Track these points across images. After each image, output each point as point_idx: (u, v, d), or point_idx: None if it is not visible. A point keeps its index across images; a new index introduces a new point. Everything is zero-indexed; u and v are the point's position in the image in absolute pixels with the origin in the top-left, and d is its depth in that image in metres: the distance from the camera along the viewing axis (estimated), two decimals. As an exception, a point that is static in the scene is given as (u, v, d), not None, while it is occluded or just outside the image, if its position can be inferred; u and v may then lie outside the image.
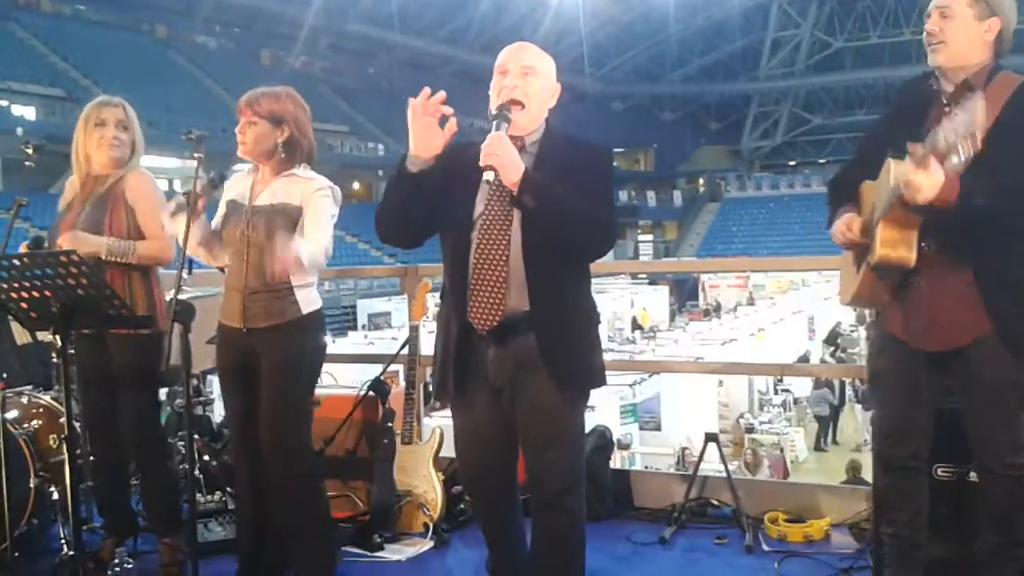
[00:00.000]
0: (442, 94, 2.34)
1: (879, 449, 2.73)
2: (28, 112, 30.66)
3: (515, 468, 2.66)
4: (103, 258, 3.26)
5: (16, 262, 2.72)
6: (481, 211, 2.42)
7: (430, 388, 2.91)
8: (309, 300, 3.09)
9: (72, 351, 3.56)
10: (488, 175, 2.27)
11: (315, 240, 2.95)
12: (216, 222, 3.16)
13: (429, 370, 3.07)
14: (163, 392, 3.93)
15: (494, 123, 2.34)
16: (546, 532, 2.55)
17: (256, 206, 3.05)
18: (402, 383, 4.14)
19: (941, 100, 2.51)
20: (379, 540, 3.64)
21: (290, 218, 3.02)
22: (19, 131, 26.39)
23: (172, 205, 3.02)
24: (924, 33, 2.52)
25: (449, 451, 3.29)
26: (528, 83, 2.43)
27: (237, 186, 3.15)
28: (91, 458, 3.58)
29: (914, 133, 2.34)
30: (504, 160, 2.27)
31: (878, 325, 2.71)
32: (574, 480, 2.53)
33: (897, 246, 2.41)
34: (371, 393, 3.89)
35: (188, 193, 2.94)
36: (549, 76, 2.50)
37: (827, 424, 17.31)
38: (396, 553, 3.61)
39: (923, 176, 2.20)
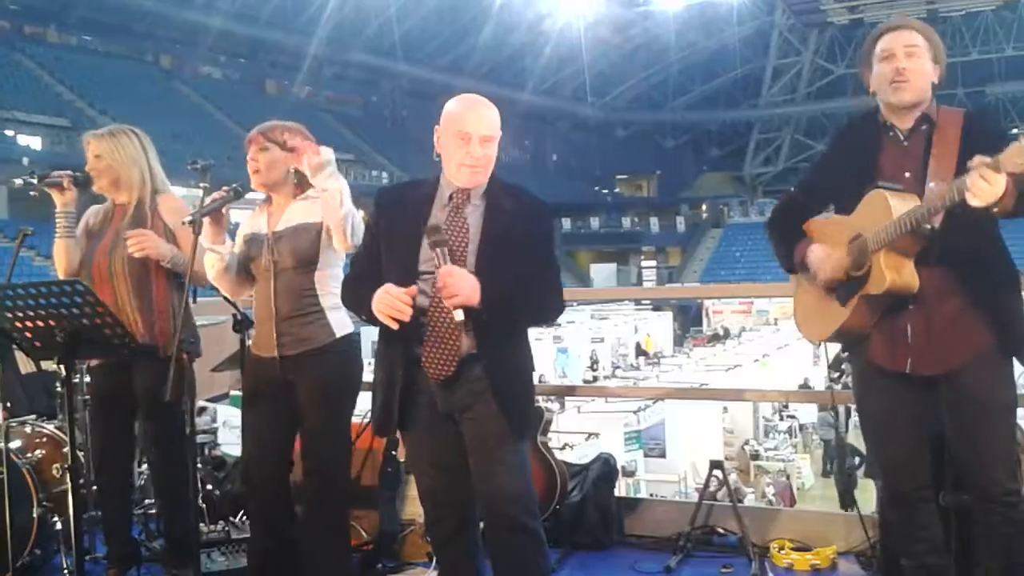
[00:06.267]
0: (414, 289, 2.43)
1: (886, 484, 2.72)
2: (34, 142, 30.83)
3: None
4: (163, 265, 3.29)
5: (21, 291, 2.73)
6: (431, 267, 2.46)
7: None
8: (341, 323, 3.07)
9: (88, 376, 3.57)
10: (458, 314, 2.36)
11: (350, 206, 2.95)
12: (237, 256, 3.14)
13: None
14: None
15: (437, 250, 2.41)
16: (511, 556, 2.54)
17: (277, 231, 3.06)
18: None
19: (894, 135, 2.60)
20: (382, 569, 3.61)
21: (313, 234, 3.03)
22: (25, 161, 26.54)
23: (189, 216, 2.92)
24: (893, 72, 2.54)
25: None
26: (491, 150, 2.54)
27: (253, 221, 3.16)
28: (94, 488, 3.57)
29: (868, 169, 2.55)
30: (468, 294, 2.37)
31: (858, 358, 2.70)
32: (532, 502, 2.57)
33: (902, 272, 2.47)
34: (375, 421, 3.88)
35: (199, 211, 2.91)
36: (498, 134, 2.59)
37: (833, 449, 17.21)
38: (400, 583, 3.57)
39: (986, 182, 2.17)
